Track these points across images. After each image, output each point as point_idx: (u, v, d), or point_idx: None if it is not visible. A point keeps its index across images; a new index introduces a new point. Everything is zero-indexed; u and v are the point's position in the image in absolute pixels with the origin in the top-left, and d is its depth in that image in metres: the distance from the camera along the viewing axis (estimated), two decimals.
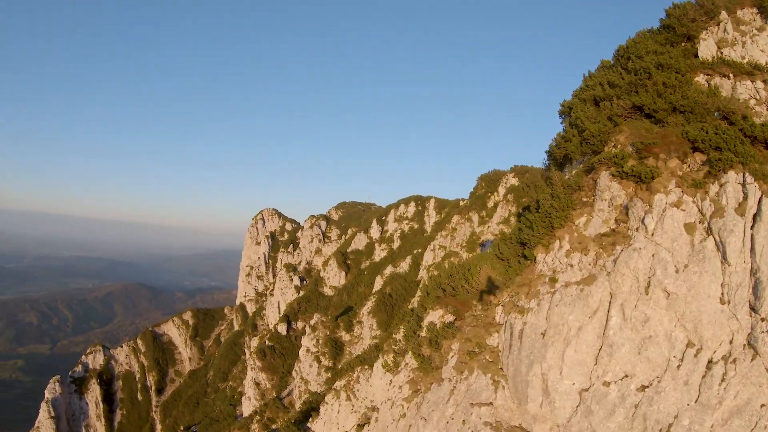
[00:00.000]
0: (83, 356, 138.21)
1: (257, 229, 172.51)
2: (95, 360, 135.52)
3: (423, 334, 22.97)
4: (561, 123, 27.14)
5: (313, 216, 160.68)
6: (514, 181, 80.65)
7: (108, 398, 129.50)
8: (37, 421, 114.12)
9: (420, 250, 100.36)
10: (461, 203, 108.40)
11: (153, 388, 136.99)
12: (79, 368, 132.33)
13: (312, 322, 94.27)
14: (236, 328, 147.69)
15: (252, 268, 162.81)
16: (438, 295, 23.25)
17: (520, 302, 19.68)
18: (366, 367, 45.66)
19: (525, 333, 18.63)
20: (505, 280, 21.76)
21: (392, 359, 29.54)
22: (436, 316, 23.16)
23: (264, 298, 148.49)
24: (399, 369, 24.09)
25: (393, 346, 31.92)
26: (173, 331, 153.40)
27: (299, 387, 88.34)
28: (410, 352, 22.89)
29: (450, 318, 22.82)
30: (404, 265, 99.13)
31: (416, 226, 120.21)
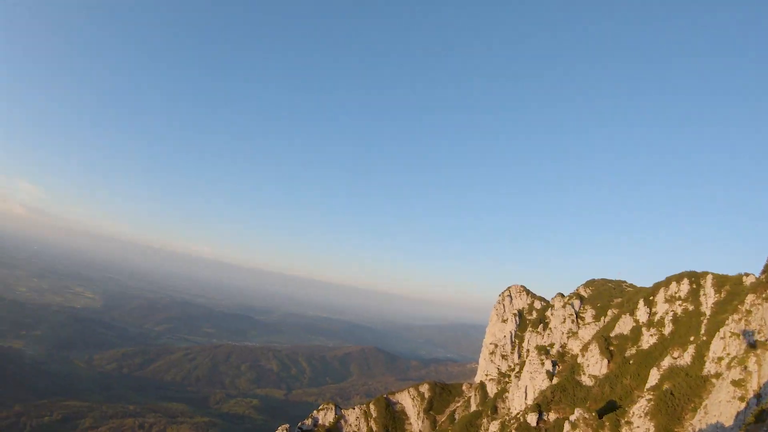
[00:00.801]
0: (315, 411, 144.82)
1: (504, 305, 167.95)
2: (326, 417, 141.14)
3: None
4: None
5: (562, 294, 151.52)
6: None
7: None
8: None
9: (704, 338, 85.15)
10: (745, 279, 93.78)
11: None
12: (308, 421, 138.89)
13: (573, 417, 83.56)
14: (473, 407, 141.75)
15: (496, 346, 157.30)
16: None
17: None
18: None
19: None
20: None
21: None
22: None
23: (507, 379, 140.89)
24: None
25: None
26: (407, 401, 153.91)
27: None
28: None
29: None
30: (686, 357, 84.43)
31: (691, 308, 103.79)
